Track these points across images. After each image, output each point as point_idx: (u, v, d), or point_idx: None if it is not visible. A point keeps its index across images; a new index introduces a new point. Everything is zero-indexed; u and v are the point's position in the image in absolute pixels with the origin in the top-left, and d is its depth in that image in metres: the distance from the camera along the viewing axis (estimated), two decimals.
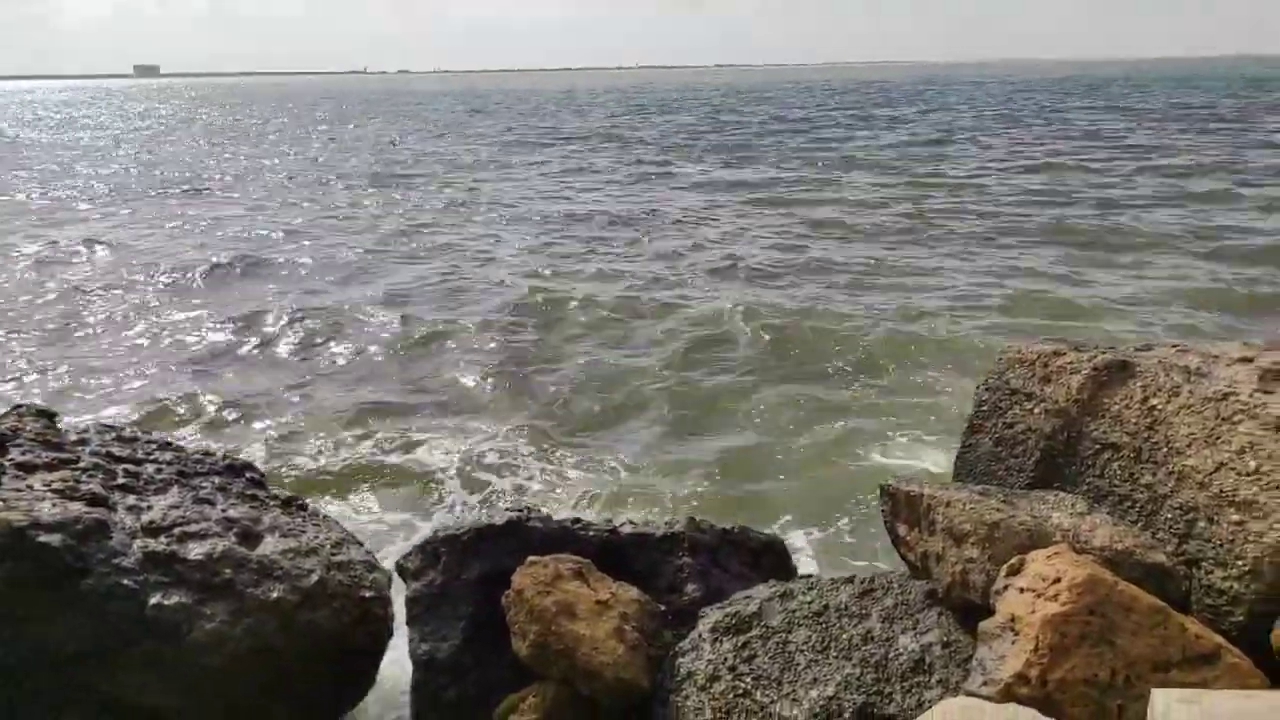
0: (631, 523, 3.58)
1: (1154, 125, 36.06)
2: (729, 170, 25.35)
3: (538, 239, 15.70)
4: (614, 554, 3.38)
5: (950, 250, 14.16)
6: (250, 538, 3.79)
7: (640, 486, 6.05)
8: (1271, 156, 24.25)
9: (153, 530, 3.58)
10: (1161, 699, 1.98)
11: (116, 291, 12.14)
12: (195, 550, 3.53)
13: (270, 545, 3.78)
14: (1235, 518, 2.92)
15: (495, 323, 10.55)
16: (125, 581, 3.32)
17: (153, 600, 3.32)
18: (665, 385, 8.38)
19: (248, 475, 4.42)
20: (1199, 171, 21.82)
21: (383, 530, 5.47)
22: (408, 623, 3.34)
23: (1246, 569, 2.86)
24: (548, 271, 13.30)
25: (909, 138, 33.98)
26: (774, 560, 3.70)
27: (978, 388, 3.69)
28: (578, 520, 3.50)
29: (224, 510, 3.91)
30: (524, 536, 3.33)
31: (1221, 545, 2.93)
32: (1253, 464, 2.94)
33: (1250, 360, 3.47)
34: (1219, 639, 2.59)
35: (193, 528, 3.66)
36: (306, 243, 15.57)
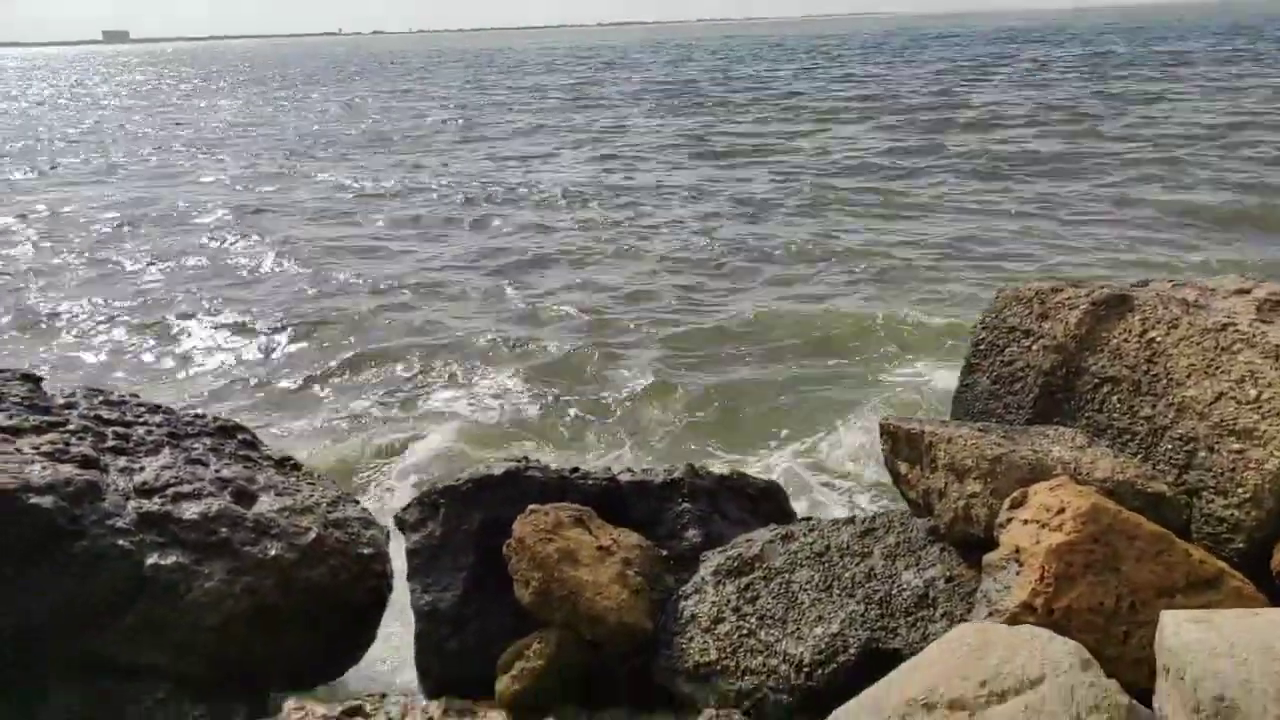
0: (630, 471, 3.56)
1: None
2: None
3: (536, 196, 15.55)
4: (614, 502, 3.36)
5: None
6: (245, 497, 3.75)
7: (638, 434, 6.05)
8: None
9: (146, 491, 3.54)
10: (1171, 620, 1.98)
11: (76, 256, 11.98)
12: (190, 510, 3.50)
13: (266, 504, 3.75)
14: (1235, 446, 2.92)
15: (473, 279, 10.48)
16: (120, 542, 3.28)
17: (149, 560, 3.28)
18: (659, 330, 8.36)
19: (240, 437, 4.37)
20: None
21: (378, 487, 5.45)
22: (408, 575, 3.32)
23: (1247, 496, 2.86)
24: (549, 229, 13.20)
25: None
26: (773, 505, 3.69)
27: (975, 326, 3.67)
28: (576, 469, 3.48)
29: (217, 470, 3.87)
30: (523, 486, 3.30)
31: (1222, 474, 2.94)
32: (1253, 392, 2.94)
33: (1247, 292, 3.46)
34: (1221, 564, 2.59)
35: (186, 488, 3.62)
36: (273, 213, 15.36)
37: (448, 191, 16.43)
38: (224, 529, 3.49)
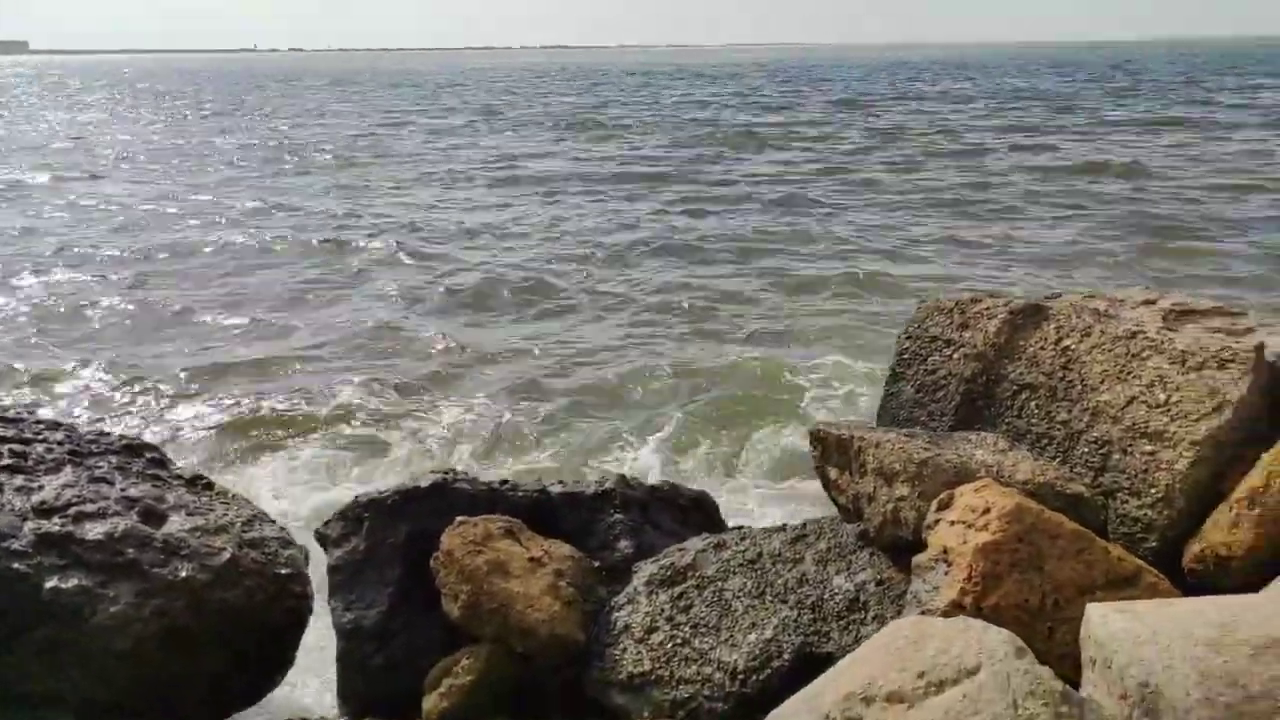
0: (561, 482, 3.51)
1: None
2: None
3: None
4: (545, 513, 3.31)
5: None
6: (154, 516, 3.57)
7: (565, 445, 5.99)
8: None
9: (45, 511, 3.34)
10: (1097, 612, 2.03)
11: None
12: (94, 530, 3.31)
13: (176, 524, 3.57)
14: (1147, 448, 3.04)
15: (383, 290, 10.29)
16: (16, 565, 3.09)
17: (49, 584, 3.09)
18: (582, 344, 8.33)
19: (148, 455, 4.17)
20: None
21: (297, 506, 5.25)
22: (330, 592, 3.20)
23: (1159, 496, 2.97)
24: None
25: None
26: (704, 515, 3.68)
27: (899, 337, 3.75)
28: (506, 481, 3.41)
29: (123, 489, 3.67)
30: (451, 499, 3.22)
31: (1135, 475, 3.04)
32: (1162, 396, 3.06)
33: (1153, 302, 3.61)
34: (1139, 561, 2.68)
35: (90, 507, 3.43)
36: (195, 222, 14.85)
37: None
38: (131, 550, 3.31)
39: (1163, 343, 3.16)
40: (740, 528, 3.34)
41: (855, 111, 35.89)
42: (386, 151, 24.94)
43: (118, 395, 7.38)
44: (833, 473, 3.15)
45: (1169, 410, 3.02)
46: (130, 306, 10.09)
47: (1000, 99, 40.49)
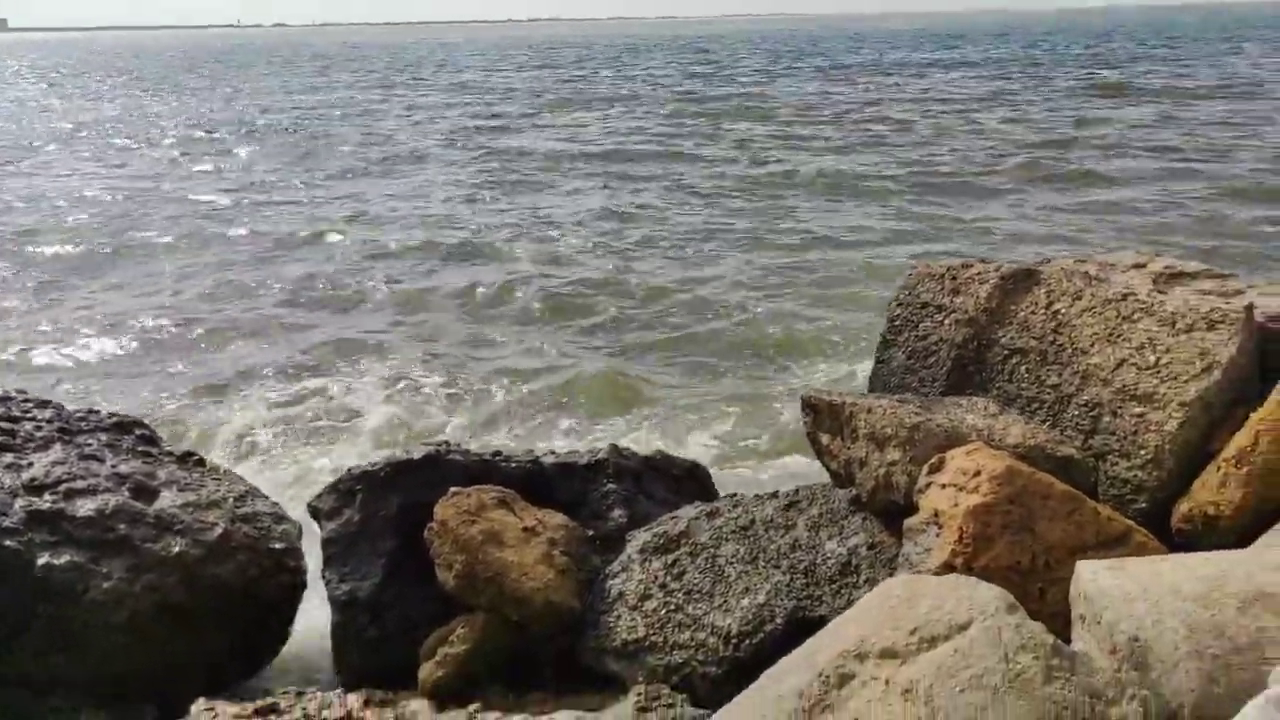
0: (554, 452, 3.51)
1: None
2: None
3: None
4: (538, 484, 3.31)
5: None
6: (145, 493, 3.56)
7: (564, 415, 5.99)
8: None
9: (35, 488, 3.33)
10: (1087, 569, 2.04)
11: None
12: (85, 506, 3.30)
13: (168, 500, 3.57)
14: (1137, 410, 3.05)
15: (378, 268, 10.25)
16: (8, 543, 3.08)
17: (41, 560, 3.09)
18: (582, 314, 8.31)
19: (138, 432, 4.15)
20: None
21: (291, 481, 5.25)
22: (324, 564, 3.20)
23: (1149, 458, 2.99)
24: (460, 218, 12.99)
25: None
26: (697, 485, 3.69)
27: (890, 304, 3.74)
28: (499, 453, 3.41)
29: (114, 466, 3.66)
30: (444, 471, 3.22)
31: (1125, 437, 3.06)
32: (1152, 358, 3.07)
33: (1143, 266, 3.62)
34: (1128, 522, 2.70)
35: (80, 484, 3.42)
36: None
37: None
38: (122, 525, 3.31)
39: (1153, 305, 3.16)
40: (733, 495, 3.35)
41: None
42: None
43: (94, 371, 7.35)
44: (824, 439, 3.16)
45: (1159, 372, 3.03)
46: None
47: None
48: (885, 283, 8.48)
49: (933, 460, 2.79)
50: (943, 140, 19.37)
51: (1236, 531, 2.71)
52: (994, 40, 69.10)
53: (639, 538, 3.12)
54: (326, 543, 3.21)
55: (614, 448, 3.55)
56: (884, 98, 28.42)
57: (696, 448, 5.51)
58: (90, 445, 3.75)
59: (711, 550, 3.01)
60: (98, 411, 4.15)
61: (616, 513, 3.31)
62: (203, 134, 24.04)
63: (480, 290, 9.55)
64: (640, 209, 13.59)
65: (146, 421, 4.26)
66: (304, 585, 3.59)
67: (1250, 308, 3.06)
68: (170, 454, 4.05)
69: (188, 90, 39.93)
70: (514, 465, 3.34)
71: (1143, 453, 3.00)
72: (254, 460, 5.68)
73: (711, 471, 3.92)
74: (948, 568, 2.47)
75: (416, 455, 3.26)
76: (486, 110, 28.87)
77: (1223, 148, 16.97)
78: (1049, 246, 10.28)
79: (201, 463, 4.09)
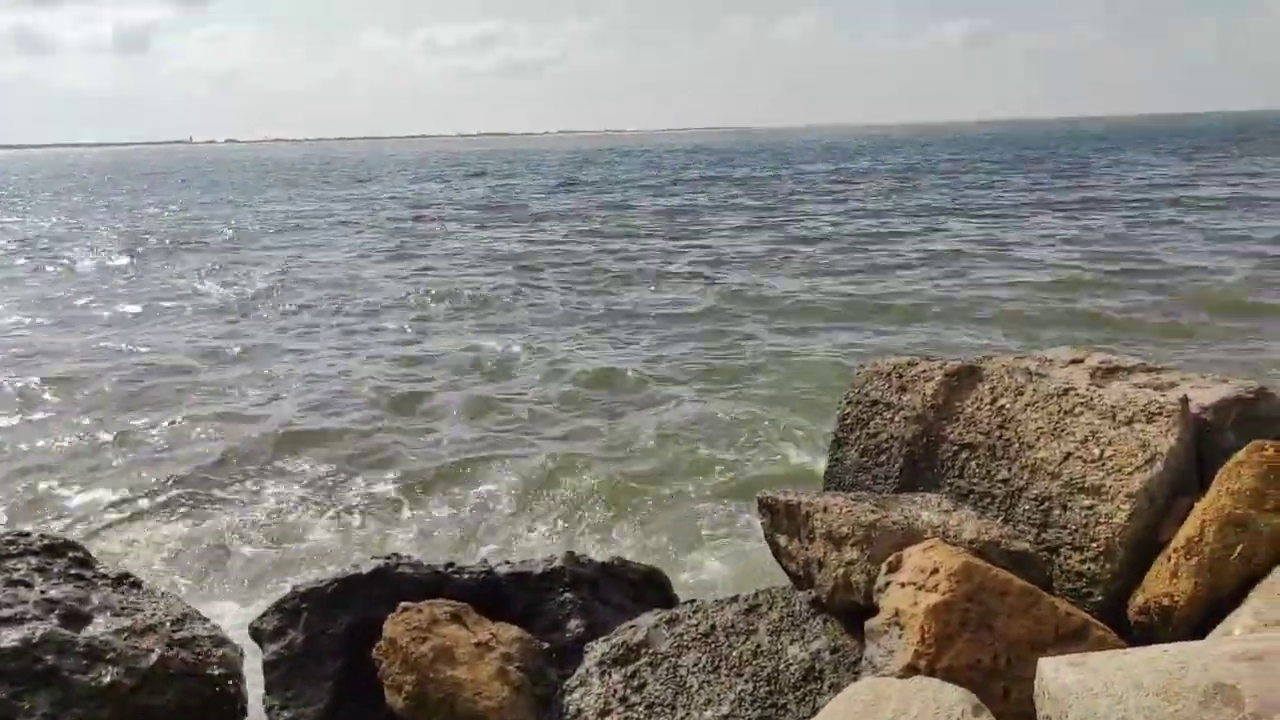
0: (508, 562, 3.43)
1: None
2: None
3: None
4: (492, 595, 3.22)
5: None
6: (76, 619, 3.39)
7: (513, 524, 5.86)
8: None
9: None
10: (1050, 666, 2.03)
11: None
12: (9, 637, 3.13)
13: (100, 626, 3.40)
14: (1086, 503, 3.09)
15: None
16: None
17: None
18: (530, 421, 8.23)
19: (71, 554, 3.97)
20: None
21: (232, 599, 5.03)
22: (266, 689, 3.04)
23: (1101, 550, 3.02)
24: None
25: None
26: (656, 591, 3.63)
27: (840, 402, 3.79)
28: (451, 564, 3.32)
29: (44, 592, 3.49)
30: (394, 584, 3.12)
31: (1076, 530, 3.09)
32: (1096, 451, 3.13)
33: (1081, 361, 3.74)
34: (1086, 615, 2.70)
35: (5, 612, 3.25)
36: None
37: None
38: (50, 656, 3.13)
39: (1093, 399, 3.25)
40: (692, 601, 3.29)
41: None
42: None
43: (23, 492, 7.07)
44: (782, 540, 3.14)
45: (1104, 464, 3.09)
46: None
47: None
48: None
49: (891, 558, 2.78)
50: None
51: (1191, 622, 2.72)
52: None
53: (597, 649, 3.03)
54: (269, 666, 3.07)
55: (570, 554, 3.49)
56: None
57: (653, 550, 5.44)
58: (19, 570, 3.58)
59: (673, 660, 2.94)
60: (28, 534, 3.97)
61: (573, 623, 3.22)
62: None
63: (420, 391, 9.53)
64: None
65: (79, 542, 4.09)
66: (245, 713, 3.41)
67: (1185, 400, 3.16)
68: (105, 576, 3.88)
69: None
70: (466, 576, 3.25)
71: (1094, 545, 3.03)
72: (191, 579, 5.44)
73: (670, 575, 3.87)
74: (912, 669, 2.43)
75: (365, 569, 3.16)
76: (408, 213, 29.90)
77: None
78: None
79: (137, 585, 3.91)
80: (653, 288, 15.90)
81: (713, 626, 3.03)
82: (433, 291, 15.90)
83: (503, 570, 3.34)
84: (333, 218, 31.26)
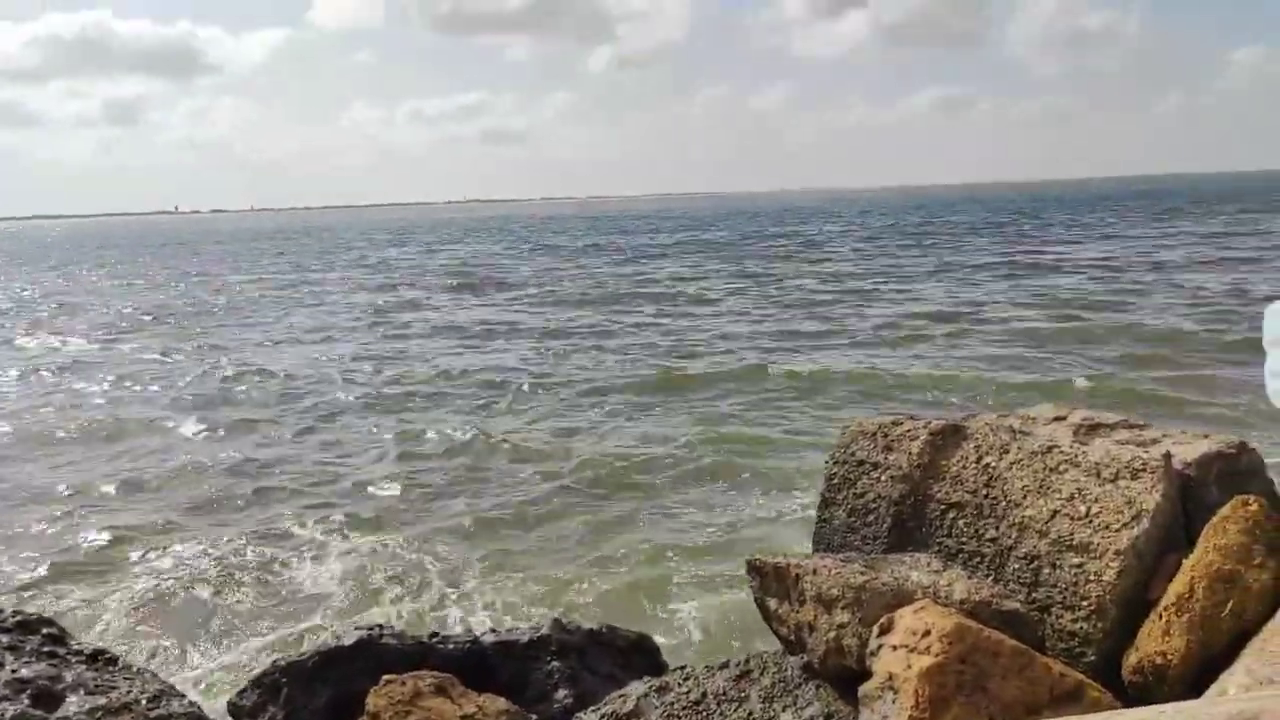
0: (494, 630, 3.37)
1: None
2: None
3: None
4: (478, 665, 3.15)
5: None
6: (48, 699, 3.30)
7: (500, 591, 5.76)
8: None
9: None
10: None
11: None
12: None
13: (74, 705, 3.30)
14: (1075, 560, 3.08)
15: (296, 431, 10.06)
16: None
17: None
18: (512, 491, 8.15)
19: (44, 631, 3.87)
20: None
21: (210, 675, 4.89)
22: None
23: (1092, 609, 3.00)
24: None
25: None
26: (645, 657, 3.57)
27: (827, 462, 3.79)
28: (435, 634, 3.26)
29: (15, 670, 3.39)
30: (377, 655, 3.05)
31: (1066, 588, 3.07)
32: (1083, 508, 3.14)
33: (1064, 418, 3.76)
34: (1080, 675, 2.67)
35: None
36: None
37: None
38: None
39: (1077, 456, 3.26)
40: (683, 667, 3.23)
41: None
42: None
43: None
44: (772, 603, 3.10)
45: (1091, 522, 3.09)
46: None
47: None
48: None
49: (882, 621, 2.75)
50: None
51: (1186, 680, 2.70)
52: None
53: None
54: None
55: (556, 622, 3.43)
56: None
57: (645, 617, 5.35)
58: None
59: None
60: (1, 611, 3.87)
61: (561, 693, 3.16)
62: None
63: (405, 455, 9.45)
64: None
65: (52, 617, 3.99)
66: None
67: (1169, 456, 3.18)
68: (79, 653, 3.77)
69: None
70: (452, 646, 3.19)
71: (1086, 604, 3.01)
72: (167, 655, 5.30)
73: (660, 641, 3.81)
74: None
75: (348, 641, 3.10)
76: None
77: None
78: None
79: (113, 661, 3.81)
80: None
81: (704, 694, 2.98)
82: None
83: (488, 639, 3.28)
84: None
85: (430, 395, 13.23)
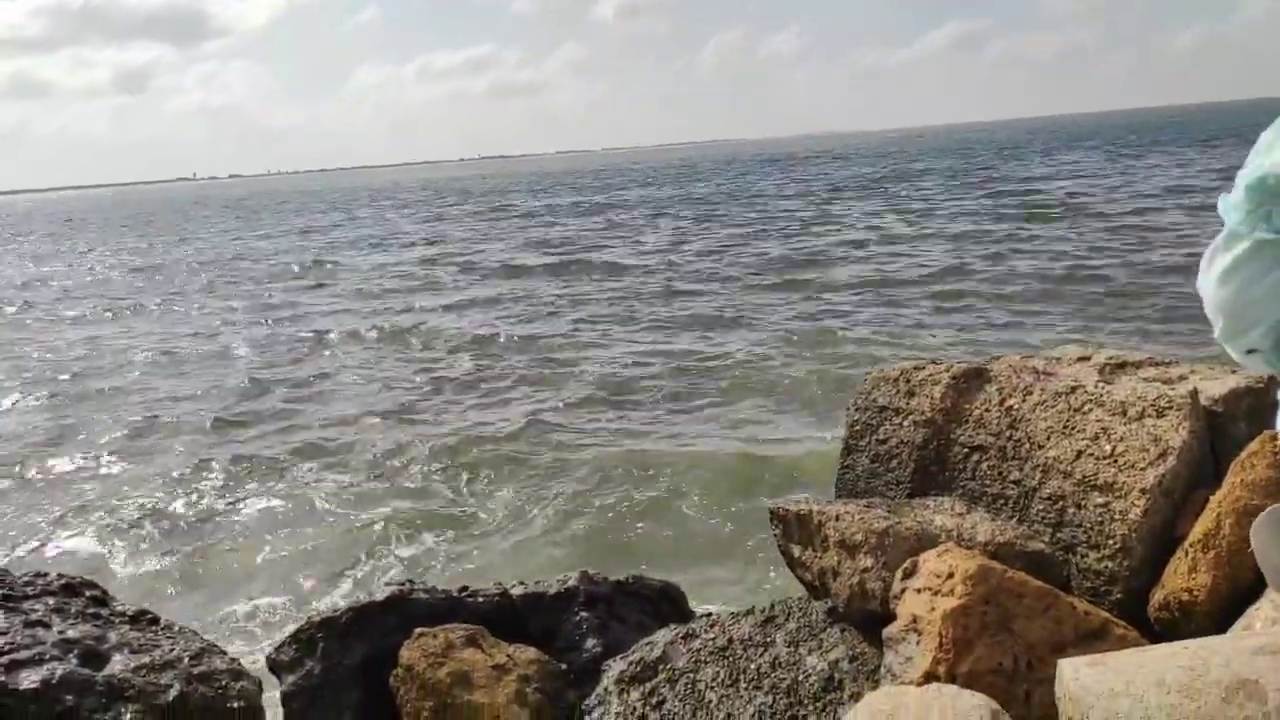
0: (522, 583, 3.42)
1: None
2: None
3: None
4: (507, 618, 3.21)
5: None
6: (95, 658, 3.40)
7: (528, 545, 5.86)
8: None
9: None
10: (1069, 666, 2.01)
11: None
12: (30, 678, 3.13)
13: (119, 664, 3.40)
14: (1100, 500, 3.07)
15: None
16: None
17: None
18: (542, 436, 8.25)
19: (88, 594, 3.99)
20: None
21: (249, 632, 5.03)
22: None
23: (1118, 547, 2.99)
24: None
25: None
26: (672, 606, 3.61)
27: (848, 408, 3.78)
28: (465, 588, 3.32)
29: (61, 632, 3.50)
30: (409, 611, 3.11)
31: (1091, 528, 3.07)
32: (1108, 447, 3.12)
33: (1088, 359, 3.72)
34: (1105, 614, 2.67)
35: (24, 654, 3.26)
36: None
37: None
38: (70, 696, 3.14)
39: (1101, 395, 3.23)
40: (709, 615, 3.28)
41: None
42: None
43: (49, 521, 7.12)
44: (795, 550, 3.13)
45: (1116, 461, 3.07)
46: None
47: None
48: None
49: (906, 564, 2.77)
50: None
51: (1213, 616, 2.70)
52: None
53: (615, 667, 3.02)
54: (287, 698, 3.07)
55: (584, 574, 3.48)
56: None
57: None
58: (37, 611, 3.59)
59: (690, 675, 2.92)
60: (46, 575, 3.98)
61: (590, 642, 3.21)
62: None
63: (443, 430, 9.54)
64: None
65: (96, 580, 4.11)
66: None
67: (1195, 393, 3.14)
68: (122, 614, 3.89)
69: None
70: (481, 600, 3.25)
71: (1111, 542, 3.01)
72: (208, 612, 5.46)
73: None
74: (931, 676, 2.41)
75: (380, 596, 3.16)
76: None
77: None
78: None
79: (155, 621, 3.92)
80: None
81: (730, 640, 3.02)
82: None
83: (517, 591, 3.33)
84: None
85: None
